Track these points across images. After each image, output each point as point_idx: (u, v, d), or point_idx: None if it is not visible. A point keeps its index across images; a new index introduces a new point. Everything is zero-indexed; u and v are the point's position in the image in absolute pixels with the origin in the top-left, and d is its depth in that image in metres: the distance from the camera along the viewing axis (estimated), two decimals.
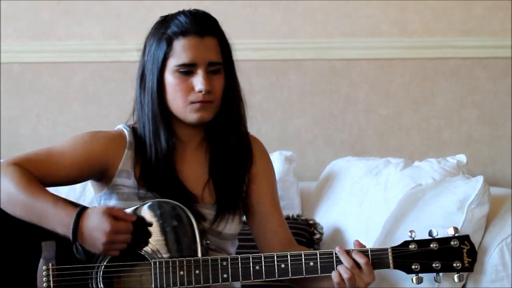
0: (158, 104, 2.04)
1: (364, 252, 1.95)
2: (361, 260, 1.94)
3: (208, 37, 2.03)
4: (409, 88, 3.21)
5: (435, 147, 3.20)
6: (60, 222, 1.89)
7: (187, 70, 2.01)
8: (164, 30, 2.04)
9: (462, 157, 2.66)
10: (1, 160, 2.80)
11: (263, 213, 2.16)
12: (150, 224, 1.96)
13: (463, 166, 2.63)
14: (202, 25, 2.03)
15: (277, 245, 2.13)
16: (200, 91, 2.00)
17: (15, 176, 1.92)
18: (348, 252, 1.95)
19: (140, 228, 1.94)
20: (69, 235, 1.89)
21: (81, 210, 1.90)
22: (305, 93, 3.23)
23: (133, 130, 2.10)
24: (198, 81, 2.00)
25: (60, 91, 3.28)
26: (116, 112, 3.25)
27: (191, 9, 2.06)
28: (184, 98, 2.02)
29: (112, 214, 1.89)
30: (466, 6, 3.17)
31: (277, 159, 2.88)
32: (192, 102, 2.02)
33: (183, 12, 2.05)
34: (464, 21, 3.18)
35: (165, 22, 2.06)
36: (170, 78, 2.02)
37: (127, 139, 2.07)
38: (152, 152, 2.06)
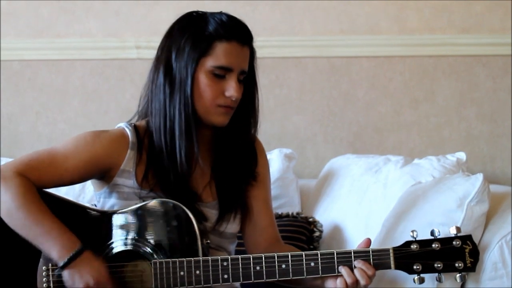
0: (192, 104, 2.01)
1: (365, 253, 1.96)
2: (369, 272, 1.93)
3: (247, 46, 2.04)
4: (409, 85, 3.21)
5: (434, 145, 3.20)
6: (53, 251, 1.89)
7: (221, 74, 2.00)
8: (204, 28, 2.01)
9: (462, 155, 2.66)
10: (2, 159, 2.80)
11: (255, 211, 2.17)
12: None
13: (463, 164, 2.63)
14: (245, 33, 2.03)
15: (264, 243, 2.15)
16: (230, 97, 2.00)
17: (17, 192, 1.90)
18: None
19: None
20: (58, 264, 1.89)
21: (81, 250, 1.90)
22: (304, 91, 3.23)
23: (135, 128, 2.09)
24: (231, 87, 2.00)
25: (59, 89, 3.28)
26: (116, 109, 3.25)
27: (225, 12, 2.05)
28: (213, 99, 2.01)
29: (103, 277, 1.90)
30: (466, 4, 3.16)
31: (276, 156, 2.88)
32: (219, 106, 2.01)
33: (221, 13, 2.04)
34: (464, 18, 3.18)
35: (201, 20, 2.03)
36: (202, 77, 2.00)
37: (130, 139, 2.06)
38: (182, 153, 2.02)
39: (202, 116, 2.03)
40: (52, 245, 1.89)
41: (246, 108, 2.10)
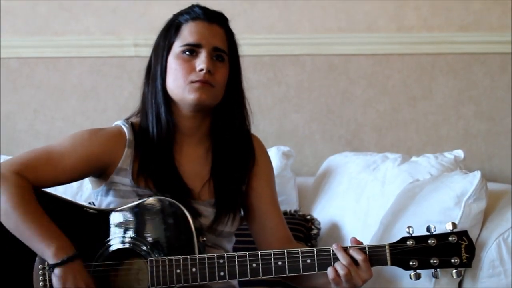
0: (162, 89, 2.05)
1: (361, 248, 1.95)
2: (358, 256, 1.92)
3: (216, 25, 2.06)
4: (407, 83, 3.21)
5: (432, 143, 3.20)
6: (48, 252, 1.88)
7: (191, 50, 2.03)
8: (175, 19, 2.07)
9: (460, 153, 2.66)
10: (0, 157, 2.80)
11: (262, 211, 2.15)
12: None
13: (461, 162, 2.63)
14: (212, 14, 2.06)
15: (275, 243, 2.13)
16: (201, 70, 2.01)
17: (13, 193, 1.90)
18: (345, 249, 1.95)
19: None
20: (52, 261, 1.88)
21: (75, 256, 1.89)
22: (302, 89, 3.23)
23: (132, 126, 2.09)
24: (201, 61, 2.01)
25: (57, 86, 3.27)
26: (114, 107, 3.25)
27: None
28: (185, 77, 2.02)
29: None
30: (464, 2, 3.17)
31: (274, 154, 2.88)
32: (192, 82, 2.02)
33: (196, 5, 2.08)
34: (462, 16, 3.18)
35: (177, 14, 2.09)
36: (173, 61, 2.04)
37: (127, 137, 2.06)
38: (154, 136, 2.05)
39: (179, 98, 2.04)
40: (47, 246, 1.88)
41: (232, 95, 2.10)
